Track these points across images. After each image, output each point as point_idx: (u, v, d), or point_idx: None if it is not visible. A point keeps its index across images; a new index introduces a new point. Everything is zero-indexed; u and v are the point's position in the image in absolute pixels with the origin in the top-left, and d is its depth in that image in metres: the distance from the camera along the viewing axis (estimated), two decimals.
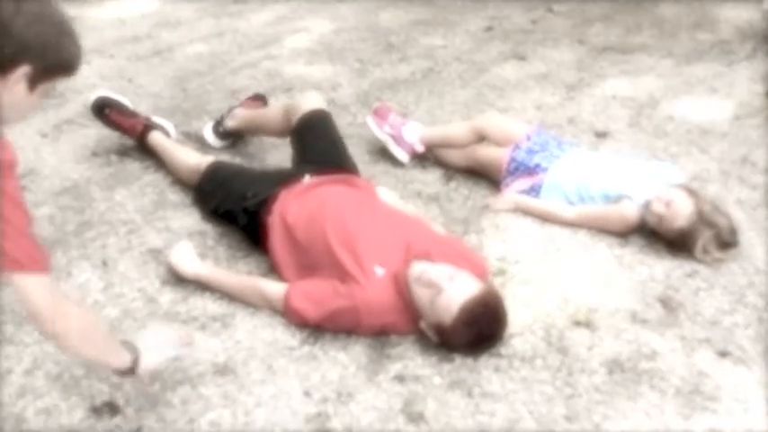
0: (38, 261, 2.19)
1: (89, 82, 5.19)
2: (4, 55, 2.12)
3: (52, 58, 2.18)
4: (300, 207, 3.32)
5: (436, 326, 2.92)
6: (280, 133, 4.03)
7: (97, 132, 4.41)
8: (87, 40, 5.70)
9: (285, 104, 4.12)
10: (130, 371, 2.49)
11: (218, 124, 4.36)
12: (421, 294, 2.94)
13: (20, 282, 2.17)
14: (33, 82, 2.17)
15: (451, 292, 2.88)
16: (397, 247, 3.16)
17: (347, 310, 3.00)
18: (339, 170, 3.61)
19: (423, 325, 2.97)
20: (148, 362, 2.54)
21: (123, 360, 2.46)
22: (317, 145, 3.73)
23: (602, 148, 4.35)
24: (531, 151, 3.89)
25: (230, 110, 4.37)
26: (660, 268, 3.41)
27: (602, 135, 4.50)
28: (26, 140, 4.46)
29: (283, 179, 3.52)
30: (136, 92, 5.07)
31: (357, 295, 2.99)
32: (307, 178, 3.49)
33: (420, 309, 2.96)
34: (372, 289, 3.01)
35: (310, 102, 3.93)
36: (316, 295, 3.06)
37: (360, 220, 3.21)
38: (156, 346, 2.62)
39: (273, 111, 4.22)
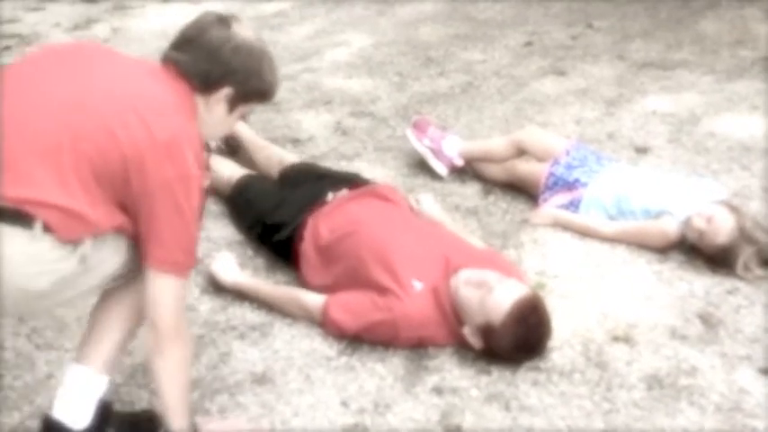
0: (190, 266, 2.39)
1: None
2: (212, 77, 2.35)
3: (253, 84, 2.42)
4: (331, 226, 3.34)
5: (484, 327, 2.91)
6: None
7: None
8: (131, 51, 5.81)
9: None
10: None
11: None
12: (469, 295, 2.96)
13: (163, 278, 2.32)
14: (233, 104, 2.41)
15: (503, 290, 2.94)
16: (435, 260, 3.16)
17: (385, 323, 3.00)
18: (358, 183, 3.62)
19: (466, 331, 2.96)
20: None
21: (183, 424, 2.45)
22: (315, 171, 3.82)
23: (642, 163, 4.33)
24: (570, 166, 3.88)
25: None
26: (700, 284, 3.39)
27: (642, 151, 4.47)
28: None
29: (307, 203, 3.52)
30: None
31: (395, 308, 3.00)
32: (330, 196, 3.50)
33: (466, 312, 2.96)
34: (411, 302, 3.01)
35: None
36: (354, 307, 3.07)
37: (393, 234, 3.22)
38: None
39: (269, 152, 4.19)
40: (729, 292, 3.34)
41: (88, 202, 2.21)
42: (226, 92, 2.36)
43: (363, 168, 4.28)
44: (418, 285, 3.06)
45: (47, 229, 2.18)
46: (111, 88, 2.28)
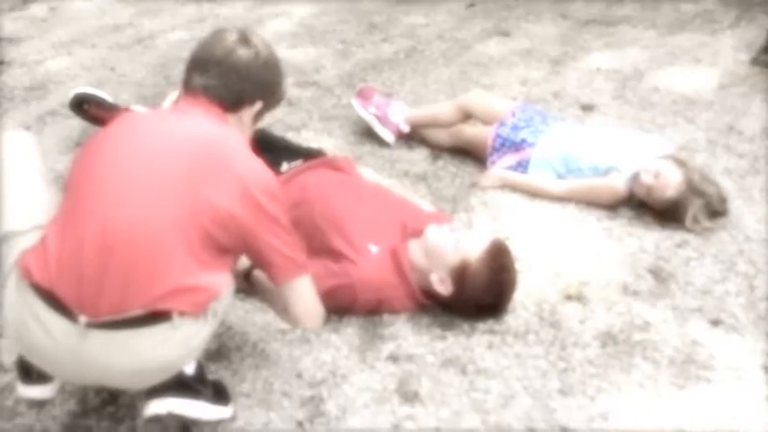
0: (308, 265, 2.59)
1: (71, 72, 5.19)
2: (244, 95, 2.48)
3: (278, 94, 2.61)
4: (285, 197, 3.29)
5: (458, 267, 2.91)
6: None
7: (81, 123, 4.36)
8: (69, 30, 5.76)
9: None
10: None
11: None
12: (444, 239, 2.98)
13: (297, 283, 2.57)
14: (260, 114, 2.56)
15: (479, 232, 3.18)
16: (391, 225, 3.15)
17: (343, 287, 2.98)
18: (312, 155, 3.59)
19: (433, 278, 2.95)
20: None
21: None
22: (270, 139, 3.74)
23: (589, 121, 4.34)
24: (516, 127, 3.87)
25: None
26: (650, 239, 3.41)
27: (588, 108, 4.48)
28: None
29: None
30: (119, 80, 5.04)
31: (352, 272, 2.98)
32: (285, 166, 3.46)
33: (437, 256, 2.96)
34: (367, 265, 3.00)
35: None
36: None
37: (346, 201, 3.19)
38: None
39: None
40: (679, 246, 3.37)
41: (207, 268, 2.32)
42: (257, 107, 2.51)
43: (310, 138, 4.26)
44: (374, 249, 3.05)
45: (182, 313, 2.27)
46: (182, 153, 2.35)
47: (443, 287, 2.94)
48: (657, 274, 3.21)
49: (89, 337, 2.23)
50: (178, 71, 5.03)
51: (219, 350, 2.90)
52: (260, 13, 5.98)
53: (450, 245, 2.94)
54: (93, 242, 2.24)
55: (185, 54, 5.03)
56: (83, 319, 2.22)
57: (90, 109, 4.20)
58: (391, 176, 3.91)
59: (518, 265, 3.19)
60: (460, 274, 2.91)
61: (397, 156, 4.12)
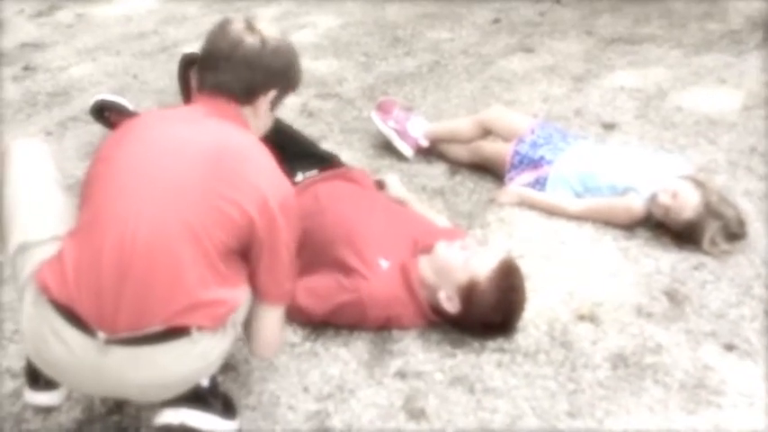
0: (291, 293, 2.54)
1: (94, 79, 5.22)
2: (256, 86, 2.43)
3: (293, 80, 2.55)
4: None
5: (466, 285, 2.89)
6: None
7: (102, 130, 4.37)
8: (94, 37, 5.79)
9: None
10: None
11: None
12: (453, 255, 2.96)
13: (275, 310, 2.49)
14: (275, 102, 2.51)
15: (489, 250, 3.15)
16: (402, 240, 3.14)
17: (352, 304, 2.97)
18: (329, 165, 3.58)
19: (441, 296, 2.94)
20: None
21: None
22: (296, 144, 3.70)
23: (610, 140, 4.30)
24: (535, 144, 3.85)
25: None
26: (666, 261, 3.37)
27: (609, 127, 4.45)
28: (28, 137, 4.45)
29: None
30: (141, 88, 5.07)
31: (362, 288, 2.97)
32: (299, 176, 3.45)
33: (446, 273, 2.94)
34: (377, 281, 2.98)
35: None
36: (320, 291, 3.03)
37: (358, 214, 3.17)
38: None
39: None
40: (695, 268, 3.33)
41: (225, 281, 2.31)
42: (271, 95, 2.46)
43: (327, 150, 4.24)
44: (384, 264, 3.03)
45: (201, 328, 2.27)
46: (193, 167, 2.31)
47: (451, 305, 2.92)
48: (672, 296, 3.17)
49: (108, 352, 2.23)
50: None
51: (228, 361, 2.89)
52: (285, 24, 5.98)
53: (460, 262, 2.92)
54: (110, 257, 2.23)
55: None
56: (101, 335, 2.22)
57: (111, 116, 4.23)
58: (409, 191, 3.89)
59: (531, 284, 3.17)
60: (468, 293, 2.89)
61: (416, 170, 4.11)
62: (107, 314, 2.22)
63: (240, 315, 2.40)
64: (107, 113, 4.23)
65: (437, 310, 2.98)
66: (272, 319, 2.49)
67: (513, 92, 4.90)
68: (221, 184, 2.27)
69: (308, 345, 2.98)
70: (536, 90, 4.91)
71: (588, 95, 4.82)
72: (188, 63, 4.38)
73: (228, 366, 2.87)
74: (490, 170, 4.03)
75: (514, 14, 6.12)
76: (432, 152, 4.21)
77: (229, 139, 2.37)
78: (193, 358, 2.30)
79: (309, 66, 5.26)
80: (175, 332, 2.24)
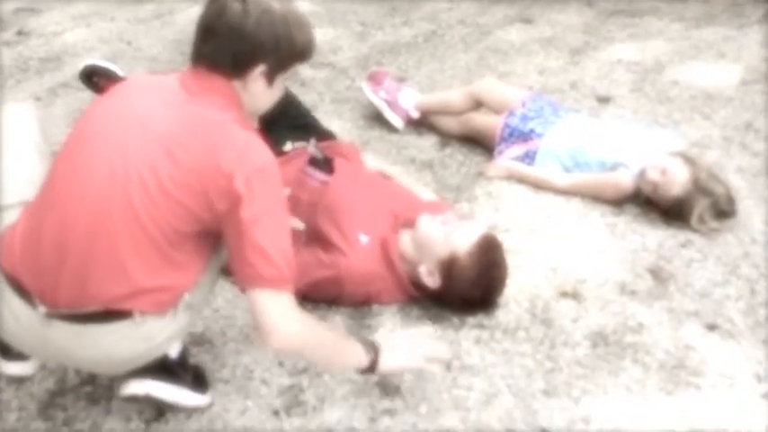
0: (284, 278, 2.20)
1: (87, 45, 5.17)
2: (240, 59, 2.22)
3: (285, 52, 2.27)
4: (282, 175, 3.24)
5: (446, 260, 2.85)
6: None
7: (92, 96, 4.32)
8: (89, 3, 5.72)
9: None
10: (369, 369, 2.44)
11: None
12: (434, 230, 2.91)
13: (256, 297, 2.19)
14: (270, 77, 2.28)
15: (471, 225, 3.00)
16: (383, 215, 3.09)
17: (331, 280, 2.93)
18: (319, 137, 3.52)
19: (422, 270, 2.90)
20: (390, 361, 2.47)
21: (359, 361, 2.42)
22: (290, 112, 3.64)
23: (603, 113, 4.25)
24: (525, 117, 3.79)
25: None
26: (653, 238, 3.33)
27: (604, 100, 4.39)
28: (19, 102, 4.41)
29: None
30: (133, 55, 5.02)
31: (341, 264, 2.93)
32: (288, 146, 3.41)
33: (427, 248, 2.90)
34: (356, 257, 2.94)
35: None
36: (298, 266, 2.98)
37: (341, 188, 3.12)
38: (404, 349, 2.53)
39: None
40: (683, 246, 3.28)
41: (175, 266, 2.21)
42: (260, 69, 2.23)
43: (320, 120, 4.19)
44: (364, 239, 2.99)
45: (144, 312, 2.19)
46: (141, 145, 2.18)
47: (431, 280, 2.89)
48: (657, 274, 3.12)
49: (51, 325, 2.19)
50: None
51: (204, 333, 2.87)
52: None
53: (440, 237, 2.88)
54: (50, 233, 2.18)
55: None
56: (42, 309, 2.18)
57: (99, 81, 4.18)
58: (397, 163, 3.85)
59: (515, 259, 3.14)
60: (448, 268, 2.85)
61: (405, 142, 4.06)
62: (47, 289, 2.18)
63: (198, 295, 2.31)
64: (96, 79, 4.18)
65: (418, 284, 2.94)
66: (259, 306, 2.19)
67: (508, 63, 4.84)
68: (176, 168, 2.14)
69: None
70: (532, 62, 4.85)
71: (585, 68, 4.76)
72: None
73: (203, 339, 2.85)
74: (480, 143, 3.98)
75: None
76: (423, 124, 4.16)
77: (196, 115, 2.22)
78: (137, 340, 2.24)
79: None
80: (116, 314, 2.18)
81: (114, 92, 2.39)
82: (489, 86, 4.00)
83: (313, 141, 3.23)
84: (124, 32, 5.33)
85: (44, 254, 2.18)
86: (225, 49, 2.21)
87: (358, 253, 2.94)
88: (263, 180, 2.19)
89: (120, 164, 2.17)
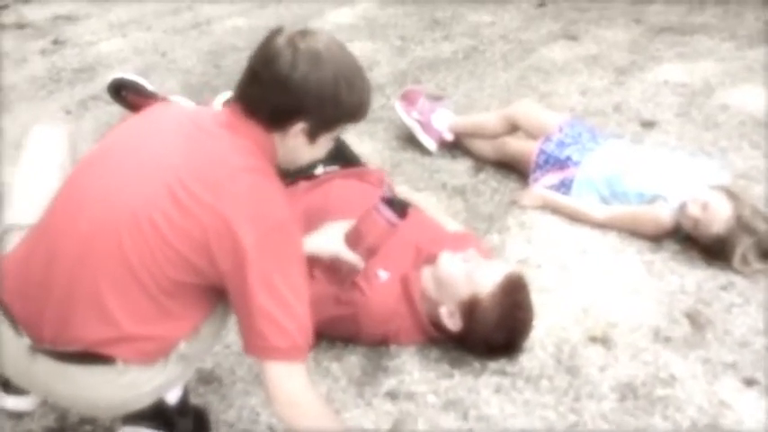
0: (298, 348, 2.06)
1: (122, 56, 5.10)
2: (281, 113, 2.06)
3: (330, 114, 2.09)
4: (307, 203, 3.12)
5: (468, 301, 2.70)
6: None
7: (121, 110, 4.24)
8: (128, 11, 5.65)
9: None
10: None
11: None
12: (456, 269, 2.76)
13: (268, 368, 2.06)
14: (313, 135, 2.10)
15: (494, 264, 2.83)
16: (405, 249, 2.94)
17: (347, 319, 2.80)
18: (348, 162, 3.40)
19: (443, 311, 2.75)
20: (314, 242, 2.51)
21: None
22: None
23: (647, 139, 4.06)
24: (562, 143, 3.63)
25: None
26: (692, 278, 3.14)
27: (648, 125, 4.20)
28: (49, 117, 4.35)
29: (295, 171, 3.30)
30: (167, 67, 4.94)
31: (358, 304, 2.79)
32: (320, 169, 3.28)
33: (448, 288, 2.75)
34: (374, 296, 2.80)
35: None
36: (315, 299, 2.85)
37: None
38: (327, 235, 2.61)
39: None
40: (723, 288, 3.09)
41: (167, 316, 2.07)
42: (301, 126, 2.06)
43: (352, 140, 4.05)
44: (384, 275, 2.85)
45: (128, 361, 2.07)
46: (141, 182, 2.04)
47: (452, 322, 2.74)
48: (695, 319, 2.94)
49: (36, 359, 2.08)
50: (229, 60, 4.94)
51: (213, 371, 2.76)
52: (322, 4, 5.81)
53: (462, 276, 2.73)
54: (39, 264, 2.08)
55: (239, 42, 4.94)
56: (26, 341, 2.07)
57: (128, 96, 4.09)
58: (428, 188, 3.72)
59: (544, 298, 2.99)
60: (470, 310, 2.70)
61: (438, 165, 3.92)
62: (33, 321, 2.07)
63: (196, 347, 2.18)
64: (124, 93, 4.10)
65: (438, 325, 2.80)
66: (272, 380, 2.06)
67: (550, 83, 4.67)
68: (177, 211, 1.99)
69: None
70: (575, 82, 4.68)
71: (630, 89, 4.58)
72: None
73: (212, 376, 2.74)
74: (516, 169, 3.82)
75: None
76: (457, 146, 4.01)
77: (213, 155, 2.06)
78: (121, 387, 2.11)
79: None
80: (98, 358, 2.06)
81: (139, 118, 2.27)
82: (526, 110, 3.83)
83: (387, 182, 3.09)
84: (159, 43, 5.25)
85: (31, 284, 2.08)
86: (266, 98, 2.06)
87: (376, 291, 2.80)
88: (276, 239, 2.03)
89: (118, 200, 2.04)
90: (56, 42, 5.27)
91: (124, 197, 2.04)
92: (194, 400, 2.62)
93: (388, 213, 2.69)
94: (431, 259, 2.86)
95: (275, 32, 2.10)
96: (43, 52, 5.13)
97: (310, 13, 5.64)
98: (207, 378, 2.72)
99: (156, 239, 2.00)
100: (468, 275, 2.72)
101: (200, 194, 1.99)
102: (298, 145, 2.12)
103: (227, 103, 2.55)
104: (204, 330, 2.18)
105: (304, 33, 2.08)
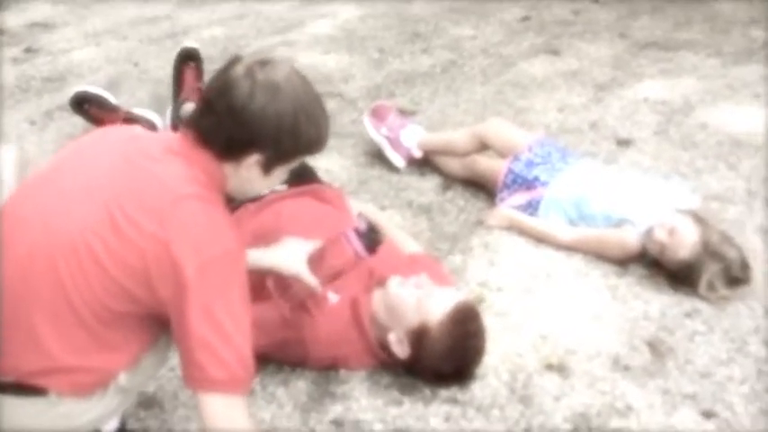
0: (237, 380, 1.98)
1: (94, 65, 5.03)
2: (234, 144, 1.98)
3: (286, 147, 2.03)
4: (256, 225, 3.02)
5: (416, 329, 2.60)
6: None
7: (85, 123, 4.15)
8: (105, 20, 5.57)
9: None
10: None
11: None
12: (406, 295, 2.65)
13: (205, 400, 1.96)
14: (268, 167, 2.04)
15: (446, 292, 2.69)
16: (358, 271, 2.83)
17: (294, 342, 2.71)
18: (303, 178, 3.30)
19: (392, 338, 2.65)
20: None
21: None
22: None
23: (622, 158, 3.97)
24: (530, 163, 3.53)
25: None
26: (657, 304, 3.05)
27: (623, 143, 4.11)
28: (12, 127, 4.27)
29: None
30: (139, 77, 4.86)
31: (305, 326, 2.70)
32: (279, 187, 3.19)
33: (397, 314, 2.65)
34: (323, 319, 2.71)
35: None
36: (262, 322, 2.76)
37: (316, 239, 2.89)
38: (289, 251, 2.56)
39: None
40: (688, 315, 3.00)
41: (104, 347, 2.00)
42: (255, 158, 2.00)
43: (318, 156, 3.94)
44: (334, 298, 2.76)
45: (61, 393, 2.00)
46: (81, 203, 1.97)
47: (400, 349, 2.64)
48: (656, 347, 2.85)
49: None
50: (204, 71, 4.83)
51: (155, 395, 2.67)
52: (303, 14, 5.73)
53: (411, 303, 2.62)
54: None
55: (215, 52, 4.84)
56: None
57: (90, 109, 4.02)
58: (393, 206, 3.63)
59: (503, 323, 2.91)
60: (419, 338, 2.60)
61: (406, 182, 3.83)
62: None
63: (137, 378, 2.12)
64: (86, 106, 4.03)
65: (388, 350, 2.70)
66: (208, 412, 1.97)
67: (527, 98, 4.58)
68: (116, 239, 1.92)
69: None
70: (553, 98, 4.59)
71: (608, 107, 4.49)
72: (185, 57, 4.19)
73: (153, 401, 2.64)
74: (485, 187, 3.73)
75: (546, 12, 5.79)
76: (426, 164, 3.92)
77: (157, 182, 1.98)
78: (54, 419, 2.04)
79: (317, 60, 5.02)
80: (30, 389, 1.99)
81: (85, 141, 2.19)
82: (496, 128, 3.74)
83: (360, 212, 3.00)
84: (133, 52, 5.17)
85: None
86: (220, 129, 1.98)
87: (325, 314, 2.71)
88: (218, 268, 1.95)
89: (56, 223, 1.97)
90: (28, 50, 5.18)
91: (62, 221, 1.96)
92: (133, 425, 2.55)
93: (358, 245, 2.61)
94: (382, 282, 2.77)
95: (233, 61, 2.04)
96: (15, 60, 5.05)
97: (290, 24, 5.56)
98: (148, 402, 2.63)
99: (92, 266, 1.92)
100: (417, 302, 2.62)
101: (140, 221, 1.92)
102: (251, 176, 2.06)
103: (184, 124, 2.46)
104: (145, 361, 2.12)
105: (264, 63, 2.01)
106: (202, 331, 1.93)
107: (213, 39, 5.33)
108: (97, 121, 4.00)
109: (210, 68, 4.80)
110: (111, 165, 2.03)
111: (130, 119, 3.92)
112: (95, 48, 5.25)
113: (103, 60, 5.05)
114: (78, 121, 4.15)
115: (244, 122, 1.96)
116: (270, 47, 5.17)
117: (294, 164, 2.12)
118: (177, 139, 2.07)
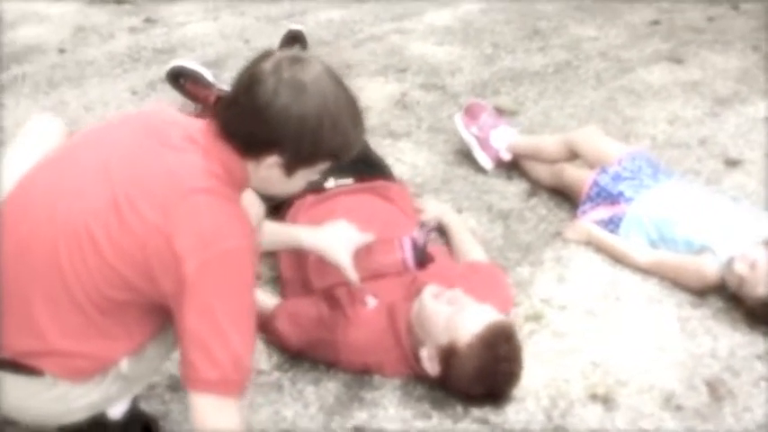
0: (230, 381, 1.92)
1: (207, 39, 5.05)
2: (254, 141, 1.94)
3: (307, 150, 1.96)
4: (311, 217, 2.96)
5: (446, 348, 2.48)
6: None
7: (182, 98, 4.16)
8: None
9: None
10: None
11: None
12: (437, 310, 2.52)
13: (196, 400, 1.93)
14: (289, 169, 1.99)
15: (478, 310, 2.53)
16: (401, 278, 2.73)
17: (327, 343, 2.65)
18: (373, 176, 3.21)
19: (423, 354, 2.54)
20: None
21: None
22: None
23: (725, 179, 3.72)
24: (617, 177, 3.34)
25: None
26: (727, 342, 2.84)
27: (731, 163, 3.85)
28: (114, 96, 4.32)
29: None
30: (246, 55, 4.81)
31: (339, 329, 2.63)
32: (330, 182, 3.11)
33: (428, 330, 2.53)
34: (358, 324, 2.63)
35: None
36: (300, 319, 2.71)
37: (369, 234, 2.78)
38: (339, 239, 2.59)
39: None
40: (759, 357, 2.78)
41: (102, 334, 1.98)
42: (274, 159, 1.94)
43: (407, 150, 3.90)
44: (372, 302, 2.67)
45: (56, 376, 1.99)
46: (88, 190, 1.94)
47: (430, 366, 2.52)
48: (715, 388, 2.64)
49: None
50: (312, 53, 4.80)
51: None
52: (425, 2, 5.59)
53: (442, 319, 2.49)
54: None
55: (328, 36, 4.79)
56: None
57: (185, 84, 4.03)
58: (472, 208, 3.50)
59: (557, 344, 2.78)
60: (446, 357, 2.47)
61: (490, 185, 3.68)
62: None
63: (140, 367, 2.08)
64: (182, 81, 4.03)
65: (422, 364, 2.59)
66: (198, 412, 1.91)
67: (638, 107, 4.35)
68: (119, 228, 1.87)
69: (275, 375, 2.67)
70: (666, 108, 4.34)
71: (723, 123, 4.22)
72: (290, 39, 4.15)
73: (179, 385, 2.60)
74: (570, 198, 3.55)
75: (679, 17, 5.49)
76: (516, 168, 3.76)
77: (168, 177, 1.91)
78: (49, 401, 2.01)
79: (427, 51, 4.91)
80: (25, 368, 1.96)
81: (108, 123, 2.16)
82: (588, 136, 3.55)
83: (424, 224, 2.91)
84: (247, 29, 5.17)
85: None
86: (241, 124, 1.92)
87: (360, 319, 2.63)
88: (221, 266, 1.88)
89: (61, 205, 1.94)
90: (147, 21, 5.24)
91: (68, 202, 1.94)
92: (157, 407, 2.53)
93: (410, 255, 2.53)
94: (420, 290, 2.65)
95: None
96: (132, 30, 5.11)
97: (409, 12, 5.45)
98: (175, 386, 2.59)
99: (92, 253, 1.89)
100: (447, 320, 2.49)
101: (144, 211, 1.88)
102: (271, 177, 2.00)
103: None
104: (151, 350, 2.08)
105: (294, 60, 1.93)
106: (199, 330, 1.88)
107: (329, 22, 5.28)
108: (192, 96, 4.01)
109: (321, 52, 4.79)
110: (127, 149, 1.99)
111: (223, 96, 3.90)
112: (212, 22, 5.27)
113: (217, 35, 5.06)
114: (178, 95, 4.16)
115: (264, 120, 1.89)
116: (382, 33, 5.08)
117: (318, 169, 2.04)
118: (201, 129, 2.00)
